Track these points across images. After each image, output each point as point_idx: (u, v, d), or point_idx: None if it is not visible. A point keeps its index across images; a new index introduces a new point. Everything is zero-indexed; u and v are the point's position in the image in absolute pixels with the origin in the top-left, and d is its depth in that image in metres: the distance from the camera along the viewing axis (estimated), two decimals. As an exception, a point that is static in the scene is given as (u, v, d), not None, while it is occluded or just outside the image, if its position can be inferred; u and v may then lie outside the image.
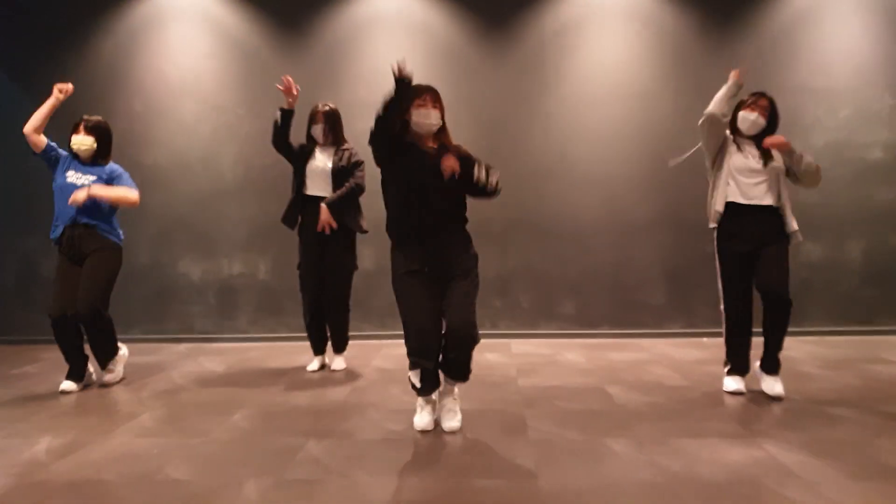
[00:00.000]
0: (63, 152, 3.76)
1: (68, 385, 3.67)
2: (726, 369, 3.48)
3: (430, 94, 2.72)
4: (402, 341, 2.88)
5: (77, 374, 3.71)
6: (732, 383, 3.42)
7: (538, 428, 2.90)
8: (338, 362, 4.06)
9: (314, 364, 4.06)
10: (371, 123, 2.67)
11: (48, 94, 3.63)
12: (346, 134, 4.01)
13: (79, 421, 3.17)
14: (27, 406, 3.44)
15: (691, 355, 4.30)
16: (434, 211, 2.74)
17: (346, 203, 3.84)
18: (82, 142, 3.65)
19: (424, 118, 2.74)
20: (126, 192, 3.67)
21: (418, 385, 2.84)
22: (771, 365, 3.38)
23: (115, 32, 5.13)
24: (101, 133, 3.71)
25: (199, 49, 5.13)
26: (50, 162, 3.72)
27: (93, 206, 3.61)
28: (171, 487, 2.35)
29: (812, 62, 4.84)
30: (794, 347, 4.26)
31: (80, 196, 3.51)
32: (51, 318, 3.60)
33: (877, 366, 3.92)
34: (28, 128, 3.66)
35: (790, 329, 3.25)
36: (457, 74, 4.98)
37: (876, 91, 4.81)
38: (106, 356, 3.79)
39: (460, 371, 2.83)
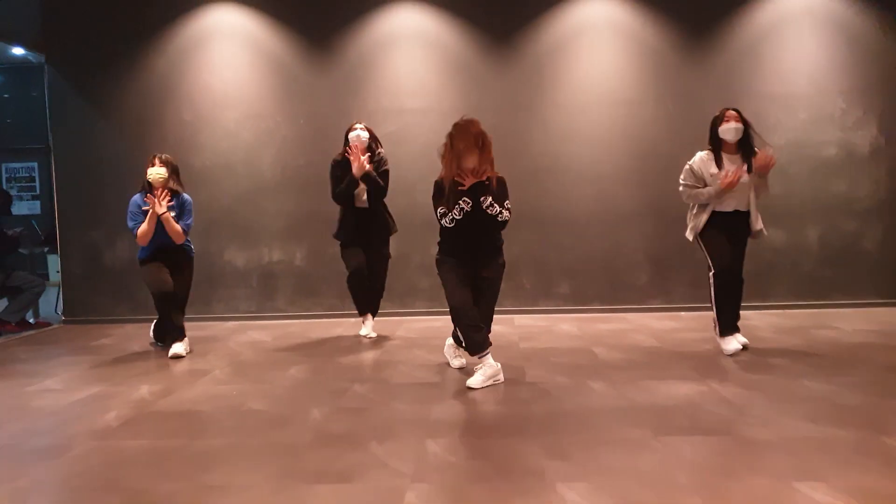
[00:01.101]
0: (139, 203, 4.43)
1: (178, 348, 4.36)
2: (718, 331, 4.01)
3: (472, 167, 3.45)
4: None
5: (180, 337, 4.40)
6: (733, 342, 3.93)
7: (534, 374, 3.65)
8: (368, 326, 4.75)
9: (366, 328, 4.74)
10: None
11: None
12: None
13: (164, 375, 3.95)
14: (117, 366, 4.21)
15: (668, 326, 5.02)
16: (474, 230, 3.50)
17: (371, 183, 4.49)
18: (158, 172, 4.37)
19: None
20: (178, 231, 4.40)
21: (459, 340, 3.65)
22: (732, 326, 4.11)
23: (166, 51, 5.87)
24: (171, 165, 4.46)
25: (240, 64, 5.86)
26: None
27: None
28: (255, 415, 3.12)
29: (774, 72, 5.52)
30: (757, 318, 4.97)
31: (159, 209, 4.28)
32: (157, 294, 4.35)
33: (822, 331, 4.63)
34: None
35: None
36: (466, 84, 5.69)
37: (829, 97, 5.49)
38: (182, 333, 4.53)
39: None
